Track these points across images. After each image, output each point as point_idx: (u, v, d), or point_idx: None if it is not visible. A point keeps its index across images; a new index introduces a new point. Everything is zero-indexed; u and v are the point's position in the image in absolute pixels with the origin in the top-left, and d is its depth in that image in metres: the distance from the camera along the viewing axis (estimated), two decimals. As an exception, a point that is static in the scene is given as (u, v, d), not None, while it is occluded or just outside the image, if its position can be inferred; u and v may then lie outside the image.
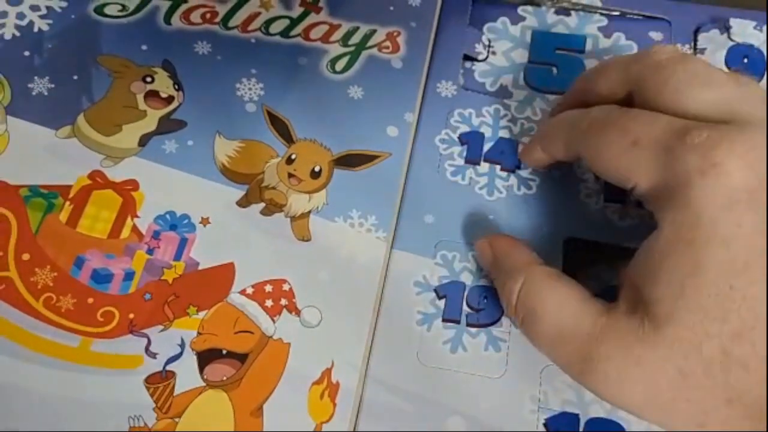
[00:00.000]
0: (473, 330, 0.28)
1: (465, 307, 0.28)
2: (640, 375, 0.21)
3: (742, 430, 0.21)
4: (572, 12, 0.35)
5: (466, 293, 0.28)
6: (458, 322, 0.28)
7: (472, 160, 0.31)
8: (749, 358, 0.20)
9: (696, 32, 0.34)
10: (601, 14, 0.35)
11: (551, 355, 0.24)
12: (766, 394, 0.20)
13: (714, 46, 0.34)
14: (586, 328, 0.23)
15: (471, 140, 0.32)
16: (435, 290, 0.29)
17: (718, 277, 0.20)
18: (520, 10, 0.35)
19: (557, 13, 0.35)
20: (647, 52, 0.25)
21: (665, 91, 0.23)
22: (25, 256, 0.27)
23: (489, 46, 0.34)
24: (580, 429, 0.26)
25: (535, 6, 0.35)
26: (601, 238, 0.29)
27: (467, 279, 0.29)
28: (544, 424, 0.26)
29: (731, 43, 0.34)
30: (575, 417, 0.26)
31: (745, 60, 0.33)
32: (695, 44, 0.34)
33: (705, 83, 0.23)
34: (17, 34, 0.32)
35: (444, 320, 0.28)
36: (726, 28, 0.34)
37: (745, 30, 0.34)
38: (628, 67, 0.25)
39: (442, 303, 0.28)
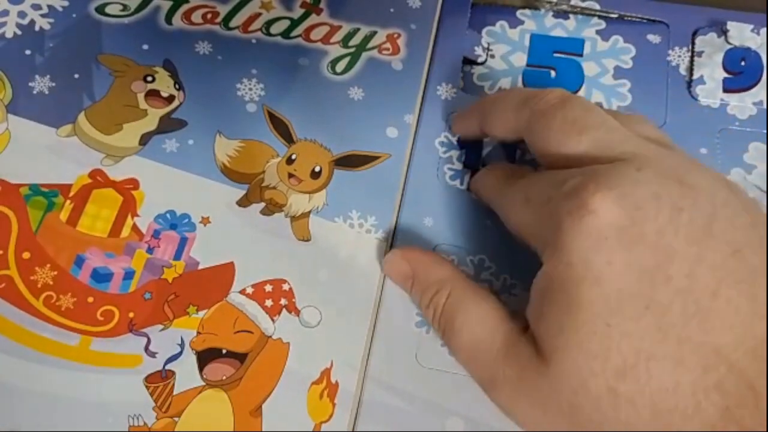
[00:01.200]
0: (472, 331, 0.28)
1: (463, 309, 0.28)
2: (535, 402, 0.22)
3: None
4: (570, 15, 0.35)
5: None
6: (457, 323, 0.28)
7: (470, 164, 0.31)
8: (635, 396, 0.20)
9: (694, 35, 0.34)
10: (600, 17, 0.35)
11: (466, 368, 0.25)
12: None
13: (711, 49, 0.34)
14: (497, 347, 0.24)
15: (469, 144, 0.32)
16: (434, 291, 0.29)
17: (594, 316, 0.21)
18: (518, 13, 0.35)
19: (555, 16, 0.35)
20: (537, 97, 0.26)
21: (549, 139, 0.24)
22: (26, 255, 0.28)
23: (488, 49, 0.34)
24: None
25: (534, 9, 0.35)
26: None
27: (465, 281, 0.29)
28: (542, 425, 0.26)
29: (729, 46, 0.34)
30: None
31: (743, 63, 0.33)
32: (693, 47, 0.34)
33: (580, 130, 0.24)
34: (18, 32, 0.32)
35: (443, 321, 0.28)
36: (723, 32, 0.34)
37: (742, 33, 0.34)
38: (519, 112, 0.26)
39: (440, 304, 0.28)
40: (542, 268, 0.23)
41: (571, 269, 0.21)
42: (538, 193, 0.24)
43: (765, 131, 0.32)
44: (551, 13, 0.35)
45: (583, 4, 0.35)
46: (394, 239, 0.30)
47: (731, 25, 0.34)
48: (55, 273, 0.27)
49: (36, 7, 0.33)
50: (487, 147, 0.32)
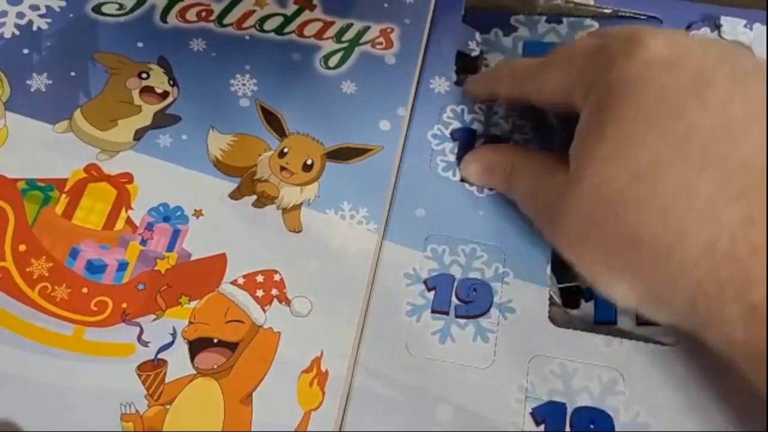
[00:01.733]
0: (462, 321, 0.28)
1: (454, 299, 0.29)
2: (561, 217, 0.25)
3: (642, 273, 0.22)
4: (564, 19, 0.35)
5: (455, 285, 0.29)
6: (447, 313, 0.28)
7: (463, 156, 0.32)
8: (647, 197, 0.21)
9: (687, 30, 0.34)
10: (593, 19, 0.35)
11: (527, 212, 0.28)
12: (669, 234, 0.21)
13: (705, 42, 0.34)
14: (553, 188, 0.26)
15: (462, 137, 0.32)
16: (424, 282, 0.29)
17: (619, 127, 0.22)
18: (512, 20, 0.35)
19: (548, 21, 0.35)
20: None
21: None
22: (22, 247, 0.28)
23: (483, 57, 0.34)
24: (567, 418, 0.26)
25: (530, 9, 0.35)
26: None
27: (456, 272, 0.29)
28: (531, 414, 0.26)
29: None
30: (562, 406, 0.27)
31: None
32: (686, 40, 0.34)
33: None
34: (17, 32, 0.33)
35: (433, 311, 0.28)
36: (717, 26, 0.34)
37: (735, 28, 0.34)
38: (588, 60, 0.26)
39: (431, 295, 0.29)
40: (582, 116, 0.25)
41: (609, 94, 0.23)
42: (583, 48, 0.25)
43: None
44: (544, 19, 0.35)
45: (578, 0, 0.35)
46: (386, 229, 0.30)
47: (725, 20, 0.34)
48: (51, 265, 0.28)
49: (34, 7, 0.33)
50: (479, 140, 0.32)
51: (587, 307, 0.30)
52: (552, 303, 0.28)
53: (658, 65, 0.22)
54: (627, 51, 0.23)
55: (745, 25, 0.34)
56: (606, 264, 0.23)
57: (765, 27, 0.34)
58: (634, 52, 0.23)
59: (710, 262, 0.20)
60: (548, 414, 0.26)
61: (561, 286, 0.30)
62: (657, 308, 0.23)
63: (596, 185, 0.23)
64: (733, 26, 0.34)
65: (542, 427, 0.26)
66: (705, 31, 0.34)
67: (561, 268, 0.30)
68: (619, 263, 0.23)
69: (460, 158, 0.31)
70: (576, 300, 0.30)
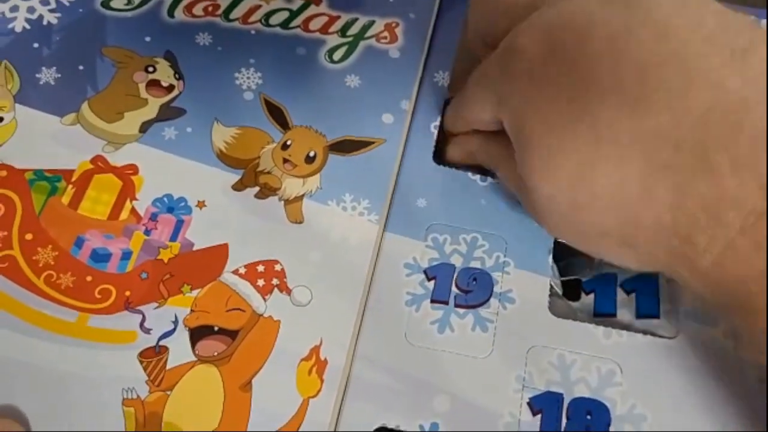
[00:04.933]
0: (461, 311, 0.28)
1: (454, 289, 0.29)
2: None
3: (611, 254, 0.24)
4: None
5: (455, 275, 0.29)
6: (446, 303, 0.28)
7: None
8: (592, 201, 0.22)
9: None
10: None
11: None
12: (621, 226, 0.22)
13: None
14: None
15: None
16: (425, 272, 0.29)
17: (536, 146, 0.23)
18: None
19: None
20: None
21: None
22: (28, 236, 0.29)
23: None
24: (564, 408, 0.26)
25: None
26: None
27: (457, 261, 0.29)
28: (529, 403, 0.27)
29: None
30: (559, 396, 0.27)
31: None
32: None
33: None
34: (27, 27, 0.33)
35: (432, 301, 0.28)
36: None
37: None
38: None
39: (431, 284, 0.29)
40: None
41: (514, 110, 0.24)
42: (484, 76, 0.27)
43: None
44: None
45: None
46: (387, 220, 0.30)
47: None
48: (56, 253, 0.28)
49: (44, 2, 0.34)
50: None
51: (587, 299, 0.30)
52: (552, 294, 0.28)
53: (539, 67, 0.23)
54: (505, 64, 0.24)
55: (752, 20, 0.34)
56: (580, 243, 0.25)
57: (765, 26, 0.34)
58: (512, 59, 0.24)
59: (662, 237, 0.21)
60: (545, 404, 0.27)
61: (562, 279, 0.30)
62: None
63: (546, 197, 0.24)
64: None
65: (539, 417, 0.26)
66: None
67: (562, 260, 0.30)
68: (592, 246, 0.25)
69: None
70: (577, 292, 0.30)
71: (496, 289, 0.28)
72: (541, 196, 0.24)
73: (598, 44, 0.22)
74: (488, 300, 0.28)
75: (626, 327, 0.28)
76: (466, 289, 0.29)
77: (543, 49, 0.23)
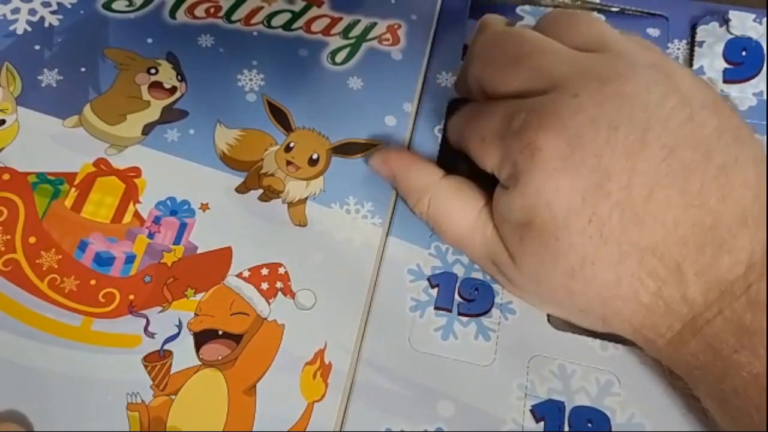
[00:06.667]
0: (464, 319, 0.28)
1: (457, 297, 0.29)
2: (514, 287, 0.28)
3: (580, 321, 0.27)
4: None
5: (458, 284, 0.29)
6: (450, 310, 0.28)
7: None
8: (585, 289, 0.24)
9: (694, 26, 0.34)
10: (599, 11, 0.35)
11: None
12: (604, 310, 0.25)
13: (713, 38, 0.34)
14: (478, 244, 0.28)
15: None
16: (428, 279, 0.29)
17: (545, 233, 0.24)
18: (518, 9, 0.35)
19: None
20: (473, 44, 0.29)
21: (493, 78, 0.27)
22: (32, 240, 0.28)
23: None
24: (566, 416, 0.26)
25: (534, 5, 0.35)
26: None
27: (459, 271, 0.29)
28: (531, 411, 0.27)
29: (730, 36, 0.34)
30: (561, 404, 0.27)
31: (744, 53, 0.33)
32: (693, 38, 0.34)
33: (516, 61, 0.26)
34: (29, 29, 0.33)
35: (436, 308, 0.28)
36: (725, 21, 0.34)
37: (744, 23, 0.34)
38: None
39: (434, 291, 0.29)
40: (505, 194, 0.26)
41: (526, 199, 0.24)
42: (491, 132, 0.26)
43: (765, 122, 0.32)
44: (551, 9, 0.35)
45: (585, -2, 0.35)
46: (391, 225, 0.30)
47: (733, 15, 0.34)
48: (60, 257, 0.28)
49: (46, 4, 0.34)
50: None
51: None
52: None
53: (559, 169, 0.24)
54: (525, 153, 0.24)
55: (755, 20, 0.34)
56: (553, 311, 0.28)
57: (765, 27, 0.34)
58: (534, 157, 0.24)
59: (635, 322, 0.25)
60: (547, 411, 0.27)
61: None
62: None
63: (535, 277, 0.26)
64: (741, 21, 0.34)
65: (542, 424, 0.26)
66: (713, 26, 0.34)
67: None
68: (562, 314, 0.28)
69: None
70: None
71: (497, 299, 0.29)
72: (529, 274, 0.26)
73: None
74: (490, 310, 0.28)
75: (622, 340, 0.28)
76: (469, 298, 0.29)
77: (564, 150, 0.24)
